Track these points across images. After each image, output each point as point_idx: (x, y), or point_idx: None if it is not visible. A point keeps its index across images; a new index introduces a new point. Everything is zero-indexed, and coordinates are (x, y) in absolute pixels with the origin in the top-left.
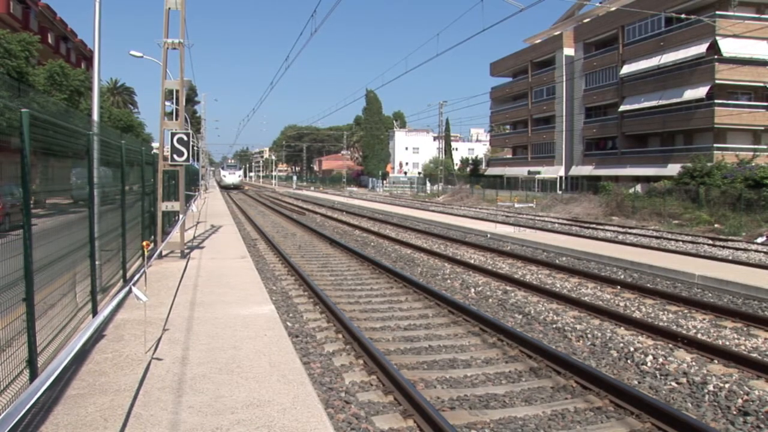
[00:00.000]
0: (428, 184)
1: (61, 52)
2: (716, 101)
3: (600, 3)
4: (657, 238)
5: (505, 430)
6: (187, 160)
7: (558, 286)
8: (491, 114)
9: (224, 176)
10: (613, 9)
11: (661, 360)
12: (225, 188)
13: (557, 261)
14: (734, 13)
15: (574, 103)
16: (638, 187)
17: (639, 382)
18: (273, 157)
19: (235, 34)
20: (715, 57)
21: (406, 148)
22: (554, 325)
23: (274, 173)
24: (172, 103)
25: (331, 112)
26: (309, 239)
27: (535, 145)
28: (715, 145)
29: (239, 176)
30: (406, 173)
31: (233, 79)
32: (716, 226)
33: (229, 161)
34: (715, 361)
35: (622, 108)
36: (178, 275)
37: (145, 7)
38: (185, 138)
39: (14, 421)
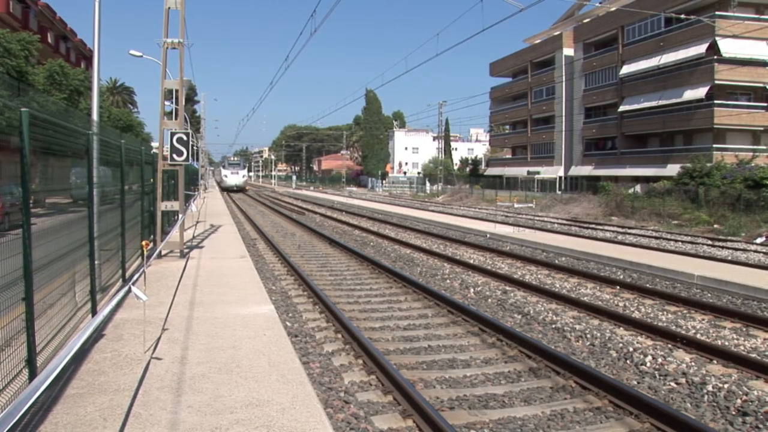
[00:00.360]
0: (428, 184)
1: (61, 52)
2: (716, 102)
3: (600, 3)
4: (656, 238)
5: (505, 430)
6: (187, 159)
7: (557, 286)
8: (491, 114)
9: (226, 176)
10: (613, 9)
11: (660, 360)
12: (227, 190)
13: (556, 261)
14: (734, 13)
15: (574, 103)
16: (638, 188)
17: (638, 382)
18: (272, 157)
19: (234, 34)
20: (715, 57)
21: (406, 148)
22: (553, 325)
23: (273, 173)
24: (172, 102)
25: (330, 112)
26: (308, 239)
27: (534, 146)
28: (714, 145)
29: (244, 176)
30: (405, 173)
31: (233, 78)
32: (715, 226)
33: (232, 159)
34: (714, 362)
35: (621, 108)
36: (178, 275)
37: (145, 7)
38: (185, 137)
39: (14, 421)
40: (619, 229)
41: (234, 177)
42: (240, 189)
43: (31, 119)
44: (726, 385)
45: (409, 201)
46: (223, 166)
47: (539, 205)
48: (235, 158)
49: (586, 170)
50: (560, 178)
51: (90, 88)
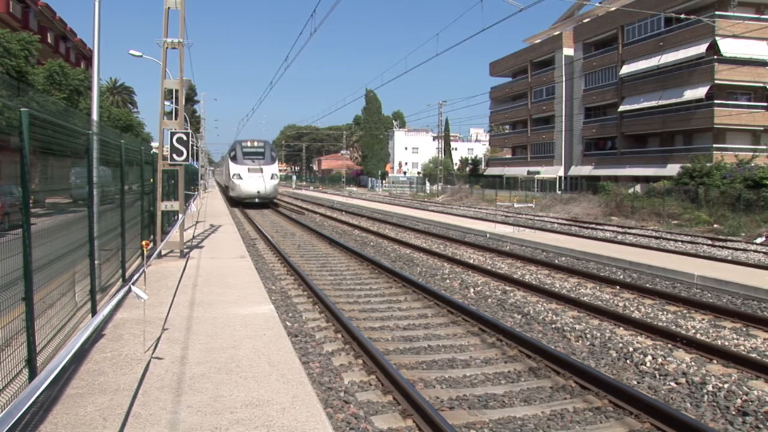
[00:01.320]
0: (427, 183)
1: (61, 52)
2: (716, 101)
3: (600, 3)
4: (656, 238)
5: (504, 430)
6: (187, 159)
7: (557, 286)
8: (491, 114)
9: (239, 176)
10: (613, 9)
11: (660, 360)
12: (243, 202)
13: (556, 261)
14: (734, 13)
15: (574, 103)
16: (637, 188)
17: (638, 382)
18: None
19: (234, 34)
20: (715, 57)
21: (406, 148)
22: (553, 325)
23: None
24: (172, 102)
25: (330, 112)
26: (308, 239)
27: (534, 145)
28: (714, 145)
29: (273, 176)
30: (405, 173)
31: (233, 78)
32: (715, 226)
33: (250, 143)
34: (714, 362)
35: (621, 108)
36: (178, 275)
37: (145, 7)
38: (184, 137)
39: (13, 420)
40: (619, 229)
41: (255, 178)
42: (266, 200)
43: (31, 119)
44: (726, 385)
45: (408, 201)
46: (233, 158)
47: (539, 205)
48: (257, 143)
49: (586, 170)
50: (560, 177)
51: (90, 88)
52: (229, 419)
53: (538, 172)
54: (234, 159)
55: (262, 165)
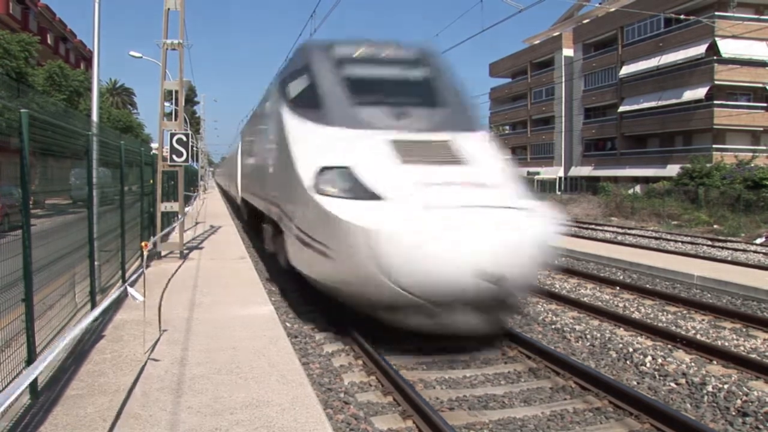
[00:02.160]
0: None
1: (61, 53)
2: (715, 102)
3: (599, 4)
4: (656, 238)
5: (504, 430)
6: (186, 160)
7: (557, 286)
8: (490, 114)
9: (362, 185)
10: (613, 10)
11: (660, 361)
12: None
13: (556, 261)
14: (733, 14)
15: (574, 103)
16: (637, 188)
17: (638, 383)
18: None
19: (234, 35)
20: (714, 58)
21: None
22: (553, 326)
23: None
24: (172, 103)
25: None
26: None
27: (534, 146)
28: (714, 146)
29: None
30: None
31: (233, 79)
32: (715, 226)
33: (380, 48)
34: (714, 362)
35: (621, 109)
36: (177, 276)
37: (145, 8)
38: (184, 138)
39: (13, 420)
40: (619, 230)
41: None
42: (498, 310)
43: (31, 120)
44: (726, 386)
45: None
46: (309, 104)
47: None
48: (404, 51)
49: (586, 171)
50: (560, 178)
51: (90, 89)
52: (229, 420)
53: (537, 173)
54: (315, 108)
55: (449, 131)
